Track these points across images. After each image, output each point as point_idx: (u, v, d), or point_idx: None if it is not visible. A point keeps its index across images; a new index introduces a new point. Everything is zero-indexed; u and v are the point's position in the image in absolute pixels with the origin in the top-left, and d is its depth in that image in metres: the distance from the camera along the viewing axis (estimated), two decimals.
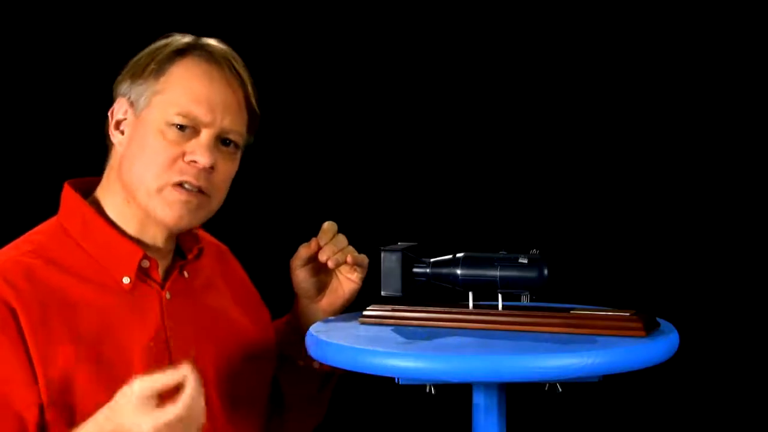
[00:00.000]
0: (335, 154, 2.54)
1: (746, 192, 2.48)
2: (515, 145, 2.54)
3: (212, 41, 1.64)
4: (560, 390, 1.44)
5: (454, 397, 1.57)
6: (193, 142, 1.57)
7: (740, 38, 2.46)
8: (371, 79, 2.54)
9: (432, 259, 1.61)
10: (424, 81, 2.54)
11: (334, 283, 1.74)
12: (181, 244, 1.68)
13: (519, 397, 1.70)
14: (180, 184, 1.56)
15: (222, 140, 1.60)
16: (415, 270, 1.62)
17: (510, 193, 2.53)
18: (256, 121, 1.66)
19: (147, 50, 1.63)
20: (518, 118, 2.54)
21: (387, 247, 1.64)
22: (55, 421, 1.48)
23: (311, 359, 1.71)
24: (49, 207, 1.65)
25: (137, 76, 1.60)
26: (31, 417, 1.47)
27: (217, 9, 2.48)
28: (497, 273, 1.54)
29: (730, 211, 2.48)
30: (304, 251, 1.70)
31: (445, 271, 1.59)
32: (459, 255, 1.58)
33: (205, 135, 1.57)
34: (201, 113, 1.57)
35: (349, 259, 1.70)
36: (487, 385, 1.48)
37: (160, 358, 1.57)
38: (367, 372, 1.41)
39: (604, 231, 2.51)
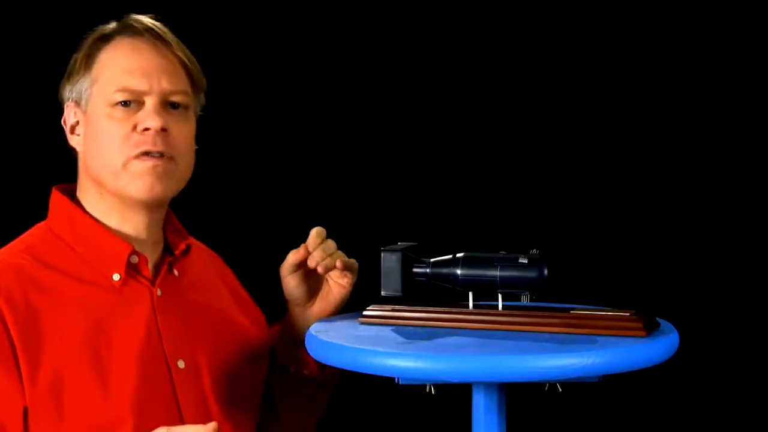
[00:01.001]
0: (335, 154, 2.54)
1: (746, 192, 2.48)
2: (515, 145, 2.54)
3: (133, 17, 1.65)
4: (560, 390, 1.44)
5: (454, 397, 1.57)
6: (140, 112, 1.59)
7: (740, 38, 2.46)
8: (371, 79, 2.54)
9: (432, 259, 1.61)
10: (423, 81, 2.54)
11: (324, 289, 1.73)
12: (168, 241, 1.69)
13: (519, 397, 1.70)
14: (142, 154, 1.57)
15: (170, 105, 1.61)
16: (415, 270, 1.62)
17: (510, 193, 2.53)
18: (198, 79, 1.66)
19: (76, 50, 1.65)
20: (518, 118, 2.54)
21: (387, 247, 1.64)
22: (42, 422, 1.49)
23: (303, 367, 1.72)
24: (37, 213, 1.66)
25: (72, 74, 1.64)
26: (15, 420, 1.48)
27: (218, 9, 2.48)
28: (497, 273, 1.54)
29: (730, 211, 2.48)
30: (292, 257, 1.69)
31: (445, 271, 1.59)
32: (459, 255, 1.58)
33: (149, 102, 1.59)
34: (137, 83, 1.59)
35: (338, 264, 1.68)
36: (487, 385, 1.48)
37: (153, 354, 1.58)
38: (367, 372, 1.41)
39: (604, 231, 2.51)
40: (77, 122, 1.64)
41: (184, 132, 1.63)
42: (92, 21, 1.68)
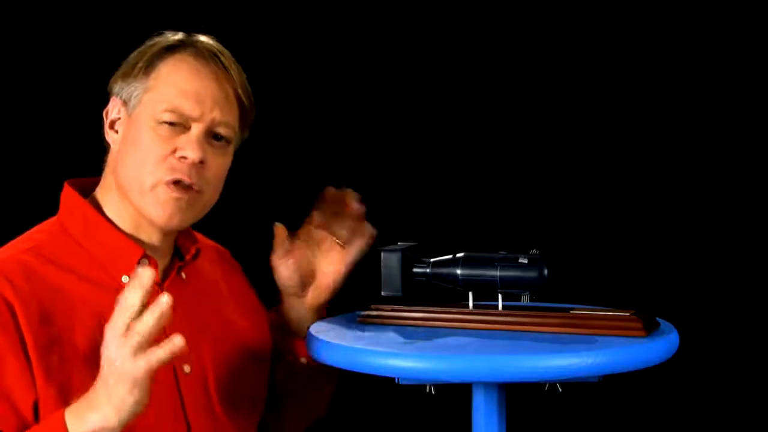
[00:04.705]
0: (335, 154, 2.54)
1: (746, 192, 2.48)
2: (515, 145, 2.54)
3: (202, 37, 1.65)
4: (560, 390, 1.44)
5: (454, 397, 1.57)
6: (184, 137, 1.58)
7: (740, 38, 2.46)
8: (372, 80, 2.54)
9: (432, 259, 1.61)
10: (424, 81, 2.54)
11: (318, 276, 1.71)
12: (179, 245, 1.68)
13: (519, 397, 1.70)
14: (173, 182, 1.57)
15: (213, 135, 1.61)
16: (415, 270, 1.62)
17: (510, 193, 2.53)
18: (248, 115, 1.66)
19: (138, 49, 1.64)
20: (518, 118, 2.54)
21: (387, 247, 1.65)
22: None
23: (298, 356, 1.71)
24: (49, 207, 1.65)
25: (128, 75, 1.62)
26: (28, 413, 1.48)
27: (219, 9, 2.48)
28: (497, 273, 1.54)
29: (730, 211, 2.48)
30: (279, 240, 1.69)
31: (445, 271, 1.59)
32: (459, 255, 1.58)
33: (195, 129, 1.58)
34: (189, 108, 1.58)
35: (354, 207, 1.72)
36: (487, 385, 1.48)
37: None
38: (367, 372, 1.41)
39: (604, 231, 2.51)
40: (119, 119, 1.62)
41: (220, 166, 1.62)
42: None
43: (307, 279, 1.72)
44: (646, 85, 2.50)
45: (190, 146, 1.57)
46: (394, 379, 1.41)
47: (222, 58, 1.63)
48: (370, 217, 2.47)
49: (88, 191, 1.65)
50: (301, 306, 1.73)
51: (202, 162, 1.58)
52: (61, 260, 1.57)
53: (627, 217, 2.51)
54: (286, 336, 1.74)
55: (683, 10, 2.47)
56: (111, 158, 1.63)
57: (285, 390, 1.78)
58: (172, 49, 1.62)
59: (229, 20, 2.49)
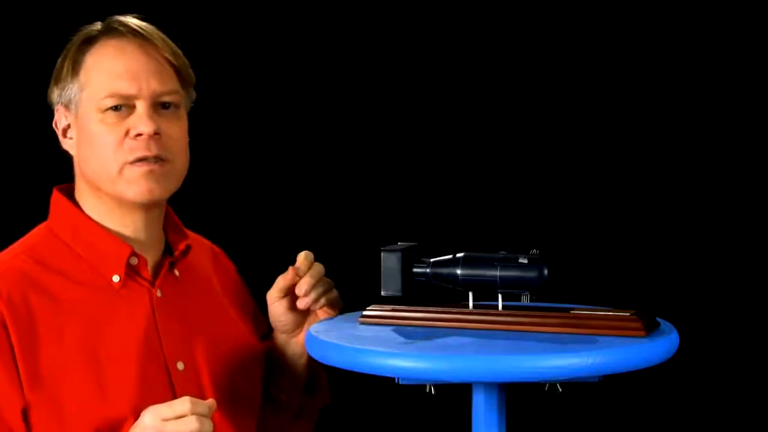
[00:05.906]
0: (335, 154, 2.54)
1: (746, 192, 2.48)
2: (515, 145, 2.54)
3: (117, 18, 1.64)
4: (560, 390, 1.44)
5: (454, 397, 1.57)
6: (131, 117, 1.58)
7: (740, 38, 2.46)
8: (371, 79, 2.54)
9: (432, 259, 1.61)
10: (424, 80, 2.54)
11: (311, 317, 1.70)
12: (169, 241, 1.69)
13: (519, 397, 1.70)
14: (138, 161, 1.57)
15: (161, 105, 1.61)
16: (415, 270, 1.62)
17: (510, 193, 2.53)
18: (186, 76, 1.65)
19: (62, 53, 1.65)
20: (518, 118, 2.54)
21: (387, 247, 1.64)
22: (42, 423, 1.49)
23: (280, 392, 1.73)
24: (39, 214, 1.66)
25: (59, 79, 1.63)
26: (15, 421, 1.49)
27: (216, 10, 2.48)
28: (497, 273, 1.54)
29: (730, 211, 2.48)
30: (282, 282, 1.66)
31: (445, 271, 1.59)
32: (459, 255, 1.58)
33: (140, 106, 1.58)
34: (126, 87, 1.58)
35: (323, 301, 1.67)
36: (487, 385, 1.48)
37: (153, 356, 1.58)
38: (367, 372, 1.41)
39: (604, 231, 2.51)
40: (68, 126, 1.63)
41: (177, 131, 1.62)
42: (87, 20, 1.68)
43: (301, 317, 1.70)
44: (646, 85, 2.50)
45: (141, 122, 1.57)
46: (394, 379, 1.41)
47: (140, 30, 1.62)
48: (369, 216, 2.48)
49: (74, 196, 1.66)
50: (292, 345, 1.71)
51: (158, 134, 1.58)
52: (52, 264, 1.58)
53: (627, 217, 2.51)
54: (273, 371, 1.75)
55: (683, 10, 2.47)
56: (76, 164, 1.65)
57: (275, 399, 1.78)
58: (91, 39, 1.62)
59: (230, 22, 2.49)
